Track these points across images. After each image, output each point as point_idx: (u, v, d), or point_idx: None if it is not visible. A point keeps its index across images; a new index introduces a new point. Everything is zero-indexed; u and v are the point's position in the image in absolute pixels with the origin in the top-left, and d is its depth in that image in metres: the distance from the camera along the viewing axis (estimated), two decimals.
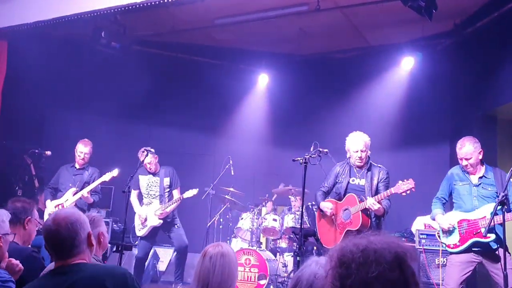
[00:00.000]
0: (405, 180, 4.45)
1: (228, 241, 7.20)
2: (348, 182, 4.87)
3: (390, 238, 1.15)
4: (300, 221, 4.83)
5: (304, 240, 4.80)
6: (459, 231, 4.26)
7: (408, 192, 4.44)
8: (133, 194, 6.21)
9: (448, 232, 4.34)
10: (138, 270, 6.10)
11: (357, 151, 4.78)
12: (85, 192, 5.82)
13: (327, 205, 4.86)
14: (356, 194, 4.74)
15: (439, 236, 4.51)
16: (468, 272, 4.21)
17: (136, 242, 6.44)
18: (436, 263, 5.24)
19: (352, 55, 7.80)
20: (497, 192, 4.20)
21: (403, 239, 6.02)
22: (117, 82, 7.42)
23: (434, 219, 4.57)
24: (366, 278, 1.07)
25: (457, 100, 6.88)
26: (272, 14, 6.37)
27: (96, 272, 2.12)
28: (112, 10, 5.71)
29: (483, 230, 4.01)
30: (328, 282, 1.13)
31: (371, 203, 4.52)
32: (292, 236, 6.39)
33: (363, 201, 4.64)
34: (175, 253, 6.33)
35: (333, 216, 4.87)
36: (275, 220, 6.47)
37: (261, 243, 6.82)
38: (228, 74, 8.14)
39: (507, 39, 5.80)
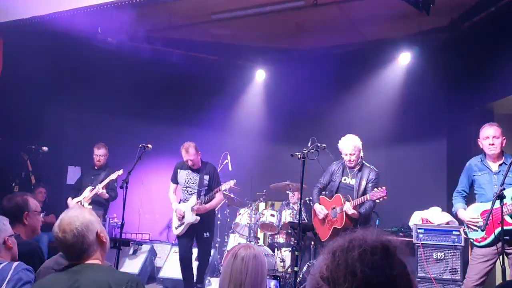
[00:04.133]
0: (379, 188, 4.74)
1: (226, 237, 7.22)
2: (340, 181, 5.23)
3: (381, 234, 1.20)
4: (298, 216, 4.85)
5: (302, 235, 4.87)
6: (484, 223, 4.09)
7: (381, 199, 4.71)
8: (171, 189, 6.07)
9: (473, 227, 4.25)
10: (185, 269, 5.83)
11: (346, 154, 5.14)
12: (99, 189, 6.31)
13: (319, 209, 5.28)
14: (343, 195, 5.08)
15: (465, 233, 4.40)
16: (491, 265, 4.16)
17: (173, 241, 6.34)
18: (434, 257, 5.24)
19: (349, 50, 7.78)
20: None
21: (401, 234, 6.05)
22: (113, 78, 7.39)
23: (456, 214, 4.47)
24: (350, 261, 1.13)
25: (454, 94, 6.88)
26: (269, 9, 6.34)
27: (105, 276, 2.09)
28: (108, 6, 5.70)
29: (507, 217, 3.94)
30: (318, 273, 1.17)
31: (347, 208, 4.90)
32: (290, 231, 6.40)
33: (349, 201, 4.98)
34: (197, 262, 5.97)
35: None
36: (272, 215, 6.48)
37: (258, 238, 6.84)
38: (225, 70, 8.11)
39: (504, 34, 5.80)
